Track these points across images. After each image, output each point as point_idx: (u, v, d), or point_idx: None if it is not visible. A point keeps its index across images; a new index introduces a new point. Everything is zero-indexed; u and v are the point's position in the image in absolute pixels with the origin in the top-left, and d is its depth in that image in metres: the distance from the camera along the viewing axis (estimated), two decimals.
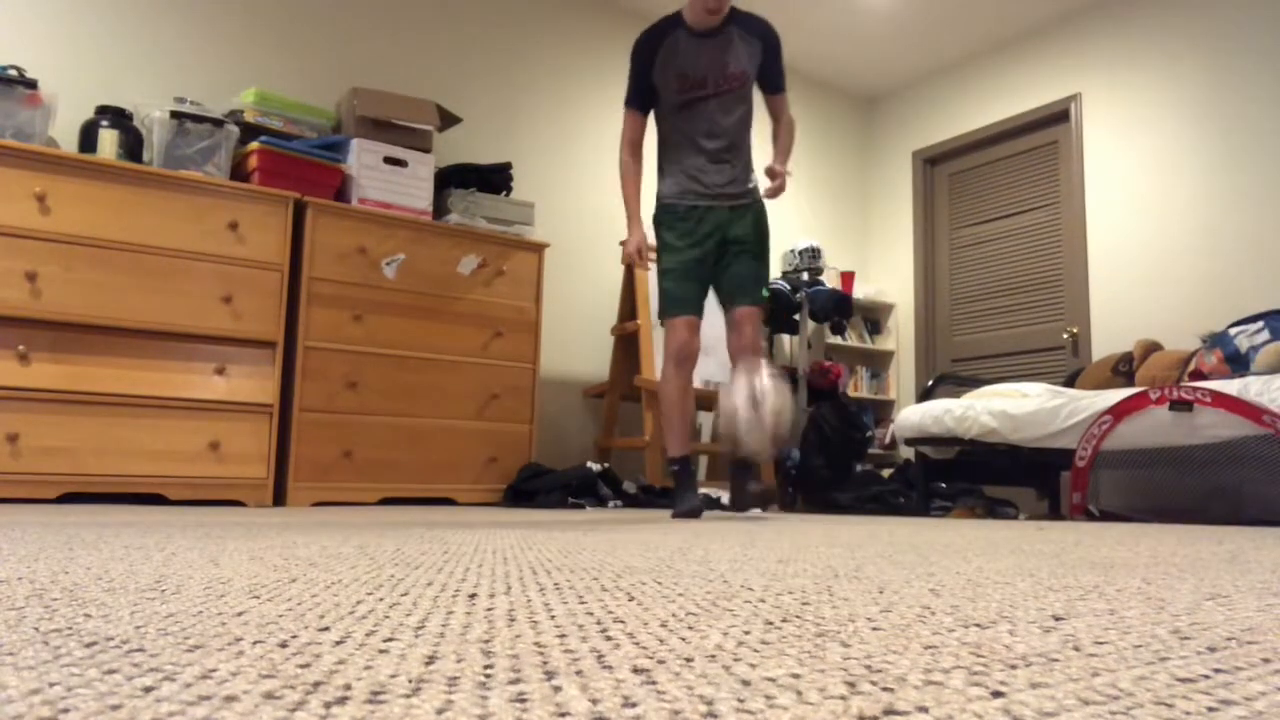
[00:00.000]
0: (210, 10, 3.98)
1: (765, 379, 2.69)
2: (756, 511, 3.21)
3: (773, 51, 3.02)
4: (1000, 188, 5.50)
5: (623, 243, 3.04)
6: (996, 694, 0.42)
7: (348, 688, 0.40)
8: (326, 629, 0.56)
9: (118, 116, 3.40)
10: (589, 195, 5.00)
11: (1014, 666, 0.48)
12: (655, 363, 4.12)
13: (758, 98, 3.07)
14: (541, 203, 4.72)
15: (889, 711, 0.38)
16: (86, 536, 1.39)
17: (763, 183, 3.01)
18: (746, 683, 0.43)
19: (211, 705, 0.36)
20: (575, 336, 4.84)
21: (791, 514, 3.86)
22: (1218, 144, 4.42)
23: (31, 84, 3.18)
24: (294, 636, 0.53)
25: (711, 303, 3.05)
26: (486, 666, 0.45)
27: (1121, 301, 4.75)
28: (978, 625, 0.63)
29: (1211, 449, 3.19)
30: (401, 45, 4.49)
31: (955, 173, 5.77)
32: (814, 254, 5.32)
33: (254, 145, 3.52)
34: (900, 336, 5.93)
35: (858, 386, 5.77)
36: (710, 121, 2.95)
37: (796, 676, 0.45)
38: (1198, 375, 3.69)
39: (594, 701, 0.38)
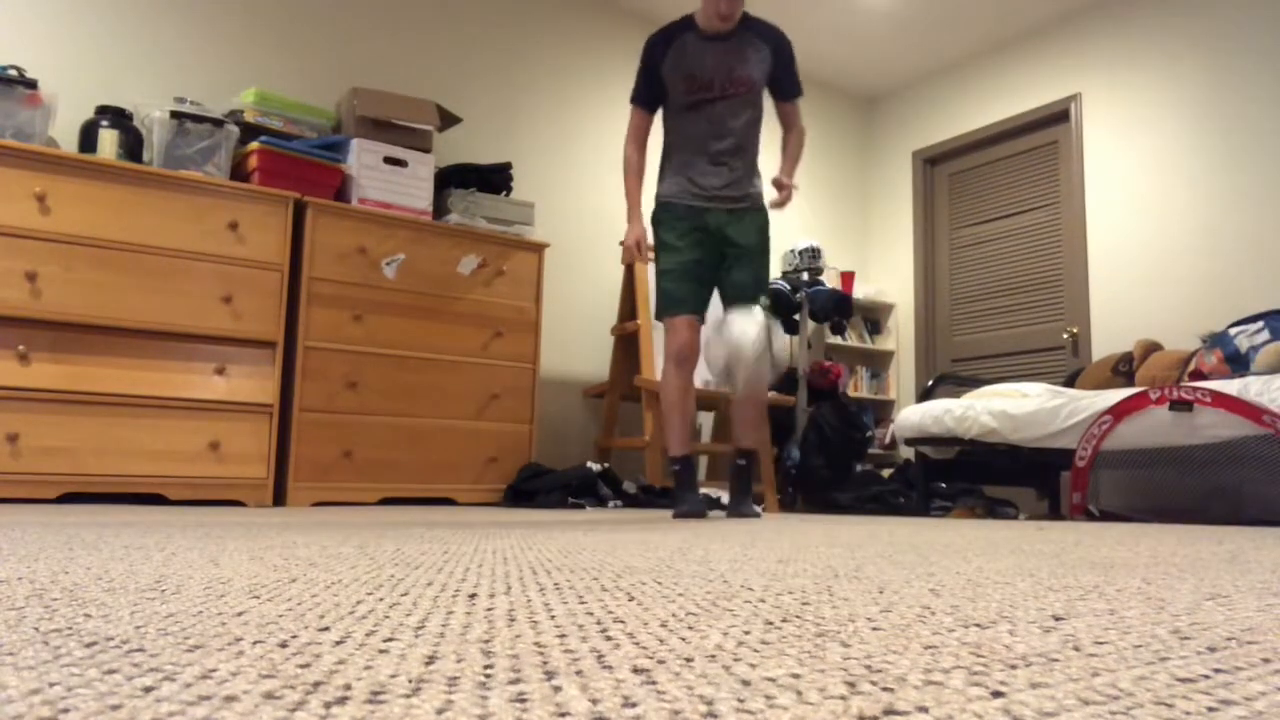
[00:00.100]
0: (210, 10, 3.99)
1: (742, 316, 2.73)
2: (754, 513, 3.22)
3: (783, 59, 3.02)
4: (1000, 188, 5.50)
5: (623, 242, 3.04)
6: (996, 694, 0.42)
7: (348, 688, 0.40)
8: (326, 629, 0.56)
9: (118, 116, 3.40)
10: (589, 195, 5.00)
11: (1014, 666, 0.48)
12: (655, 363, 4.12)
13: (769, 105, 3.07)
14: (541, 203, 4.72)
15: (889, 711, 0.38)
16: (86, 536, 1.39)
17: (768, 193, 3.03)
18: (746, 683, 0.43)
19: (211, 705, 0.36)
20: (575, 336, 4.84)
21: (791, 514, 3.86)
22: (1218, 144, 4.42)
23: (31, 84, 3.18)
24: (294, 636, 0.53)
25: (713, 304, 3.05)
26: (486, 666, 0.45)
27: (1121, 301, 4.75)
28: (978, 625, 0.63)
29: (1211, 449, 3.19)
30: (401, 45, 4.49)
31: (955, 173, 5.77)
32: (814, 254, 5.32)
33: (254, 145, 3.52)
34: (900, 336, 5.93)
35: (858, 386, 5.77)
36: (715, 123, 2.96)
37: (796, 676, 0.45)
38: (1198, 375, 3.69)
39: (594, 701, 0.38)
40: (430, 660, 0.47)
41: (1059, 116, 5.16)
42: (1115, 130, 4.87)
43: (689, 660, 0.48)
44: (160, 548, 1.20)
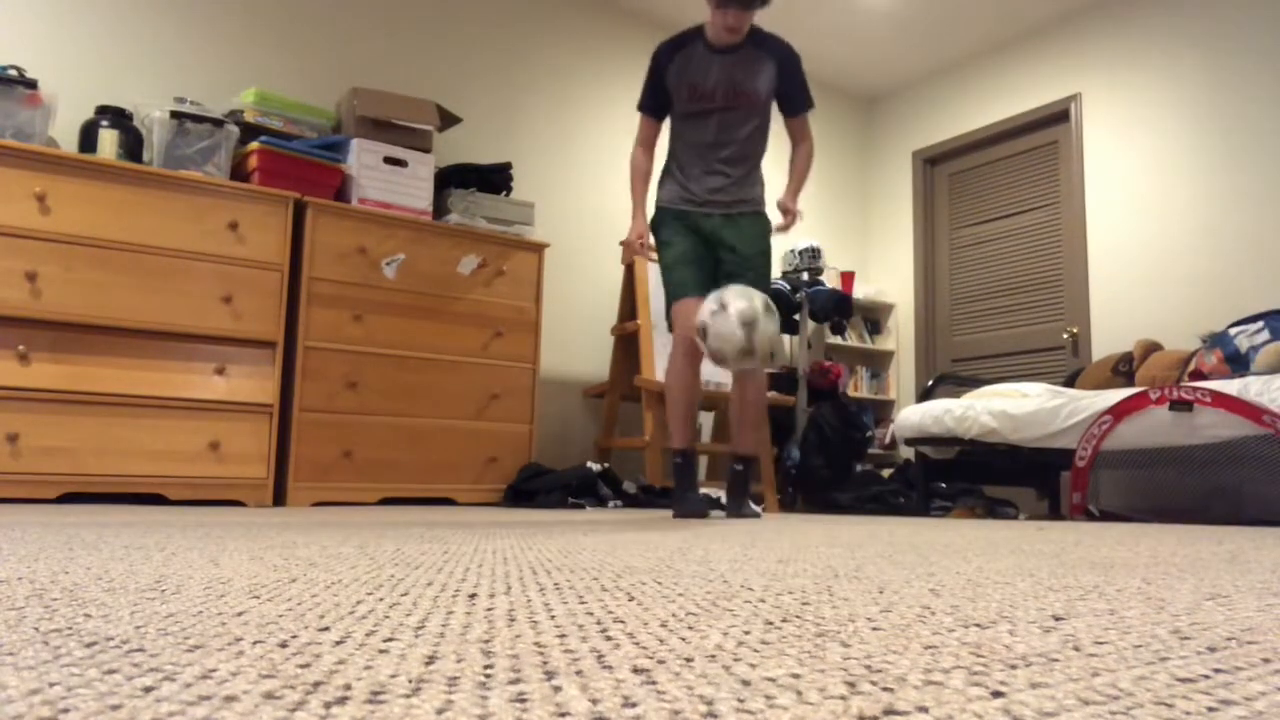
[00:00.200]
0: (210, 10, 3.99)
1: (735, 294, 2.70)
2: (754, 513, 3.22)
3: (790, 73, 3.00)
4: (1000, 188, 5.50)
5: (623, 242, 3.04)
6: (996, 694, 0.42)
7: (348, 688, 0.40)
8: (326, 629, 0.56)
9: (118, 116, 3.40)
10: (589, 195, 5.00)
11: (1014, 666, 0.48)
12: (655, 363, 4.12)
13: (777, 115, 3.07)
14: (541, 203, 4.72)
15: (889, 711, 0.38)
16: (86, 536, 1.39)
17: (773, 212, 3.05)
18: (746, 683, 0.43)
19: (211, 705, 0.36)
20: (575, 336, 4.84)
21: (791, 514, 3.86)
22: (1218, 144, 4.42)
23: (31, 84, 3.18)
24: (294, 636, 0.53)
25: None
26: (486, 666, 0.45)
27: (1121, 301, 4.75)
28: (978, 625, 0.63)
29: (1211, 449, 3.19)
30: (401, 45, 4.49)
31: (955, 173, 5.77)
32: (814, 254, 5.32)
33: (254, 145, 3.52)
34: (900, 336, 5.93)
35: (858, 386, 5.77)
36: (716, 132, 2.96)
37: (796, 676, 0.45)
38: (1198, 375, 3.69)
39: (594, 701, 0.38)
40: (430, 660, 0.47)
41: (1059, 116, 5.16)
42: (1115, 130, 4.87)
43: (689, 660, 0.48)
44: (160, 548, 1.20)
